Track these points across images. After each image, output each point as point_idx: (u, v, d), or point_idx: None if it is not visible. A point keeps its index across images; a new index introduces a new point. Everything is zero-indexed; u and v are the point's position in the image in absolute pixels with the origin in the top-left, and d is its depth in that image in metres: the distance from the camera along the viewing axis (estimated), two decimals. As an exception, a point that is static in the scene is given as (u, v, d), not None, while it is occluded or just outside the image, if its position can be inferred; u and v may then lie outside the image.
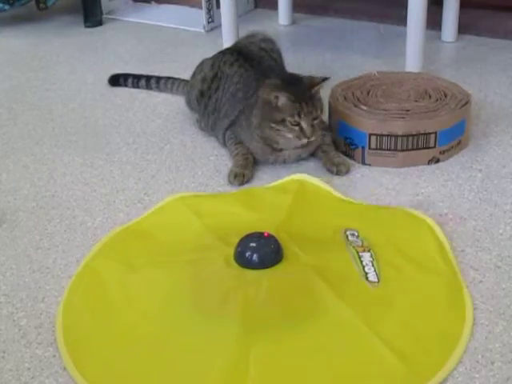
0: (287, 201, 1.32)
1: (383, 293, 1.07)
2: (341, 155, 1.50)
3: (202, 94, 1.63)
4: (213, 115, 1.60)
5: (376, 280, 1.08)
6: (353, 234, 1.18)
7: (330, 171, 1.45)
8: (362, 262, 1.12)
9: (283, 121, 1.39)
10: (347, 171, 1.45)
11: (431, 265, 1.13)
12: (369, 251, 1.14)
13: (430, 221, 1.24)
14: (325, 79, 1.43)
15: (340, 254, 1.15)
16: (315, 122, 1.40)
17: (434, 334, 1.00)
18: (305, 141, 1.40)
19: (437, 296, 1.07)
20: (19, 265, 1.21)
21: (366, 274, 1.10)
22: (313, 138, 1.40)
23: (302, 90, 1.40)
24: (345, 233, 1.19)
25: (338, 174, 1.44)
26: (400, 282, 1.09)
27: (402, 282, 1.09)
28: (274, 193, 1.38)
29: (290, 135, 1.41)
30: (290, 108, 1.38)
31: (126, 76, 1.95)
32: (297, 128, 1.39)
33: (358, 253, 1.13)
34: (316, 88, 1.41)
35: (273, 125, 1.40)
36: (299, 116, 1.38)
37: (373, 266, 1.11)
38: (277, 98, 1.39)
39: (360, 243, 1.16)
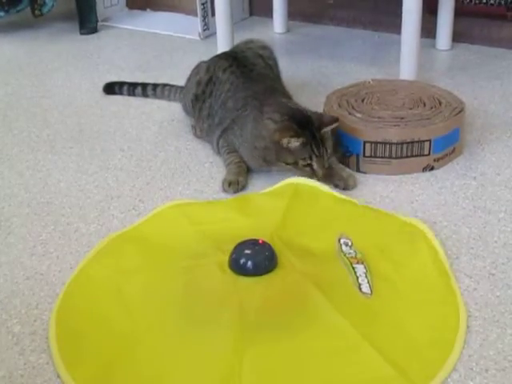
0: (282, 206, 1.32)
1: (376, 303, 1.07)
2: (346, 169, 1.47)
3: (196, 97, 1.63)
4: (207, 120, 1.60)
5: (369, 292, 1.08)
6: (346, 244, 1.18)
7: (337, 186, 1.41)
8: (355, 272, 1.12)
9: (295, 163, 1.38)
10: (355, 185, 1.41)
11: (425, 276, 1.13)
12: (362, 263, 1.14)
13: (424, 228, 1.24)
14: (335, 120, 1.39)
15: (334, 263, 1.15)
16: (327, 162, 1.39)
17: (428, 341, 0.99)
18: (316, 179, 1.39)
19: (430, 305, 1.07)
20: (13, 271, 1.20)
21: (360, 284, 1.09)
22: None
23: (313, 130, 1.36)
24: (339, 241, 1.19)
25: (345, 188, 1.41)
26: (393, 295, 1.09)
27: (395, 295, 1.09)
28: (268, 198, 1.37)
29: (301, 174, 1.40)
30: (301, 152, 1.36)
31: (121, 84, 1.94)
32: (308, 169, 1.38)
33: (351, 264, 1.13)
34: (326, 129, 1.38)
35: (283, 164, 1.39)
36: (311, 159, 1.37)
37: (366, 277, 1.11)
38: (289, 142, 1.36)
39: (354, 254, 1.16)
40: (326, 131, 1.38)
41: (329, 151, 1.39)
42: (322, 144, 1.37)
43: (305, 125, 1.37)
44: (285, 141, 1.36)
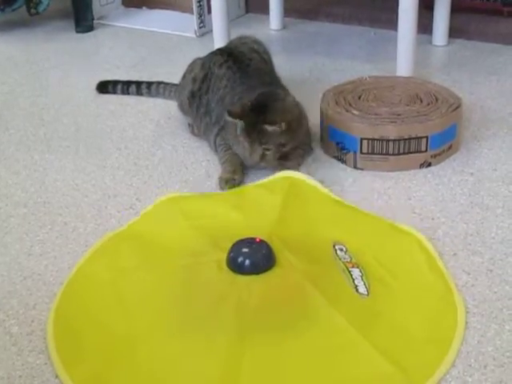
0: (278, 202, 1.32)
1: (373, 303, 1.06)
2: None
3: (193, 94, 1.62)
4: (205, 118, 1.59)
5: (366, 293, 1.08)
6: (341, 249, 1.18)
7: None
8: (351, 275, 1.11)
9: (237, 137, 1.42)
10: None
11: (420, 277, 1.12)
12: (358, 267, 1.13)
13: (417, 234, 1.23)
14: (276, 122, 1.37)
15: (330, 264, 1.14)
16: (267, 152, 1.40)
17: (426, 338, 1.00)
18: (252, 162, 1.43)
19: (427, 304, 1.07)
20: (10, 271, 1.20)
21: (356, 286, 1.09)
22: (262, 164, 1.42)
23: (259, 120, 1.38)
24: (334, 247, 1.18)
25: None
26: (389, 295, 1.09)
27: (392, 295, 1.09)
28: (264, 193, 1.37)
29: (244, 151, 1.43)
30: (243, 134, 1.40)
31: (115, 82, 1.93)
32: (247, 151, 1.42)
33: (347, 268, 1.13)
34: (264, 126, 1.37)
35: (236, 138, 1.43)
36: (247, 143, 1.40)
37: (362, 280, 1.10)
38: (235, 124, 1.41)
39: (349, 259, 1.15)
40: (267, 128, 1.37)
41: (265, 146, 1.39)
42: (261, 136, 1.38)
43: (258, 111, 1.39)
44: (229, 119, 1.41)
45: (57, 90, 2.01)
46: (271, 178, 1.41)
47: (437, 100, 1.54)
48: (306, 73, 2.03)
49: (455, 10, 2.13)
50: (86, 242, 1.27)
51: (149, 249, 1.22)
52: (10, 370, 0.99)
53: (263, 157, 1.41)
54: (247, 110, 1.40)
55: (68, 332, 1.04)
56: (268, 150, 1.40)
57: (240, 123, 1.40)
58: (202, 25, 2.40)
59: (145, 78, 1.95)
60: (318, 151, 1.57)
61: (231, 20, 2.16)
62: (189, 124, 1.68)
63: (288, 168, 1.43)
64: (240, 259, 1.12)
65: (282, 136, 1.39)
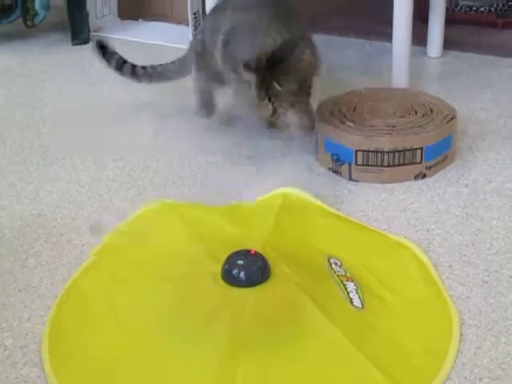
0: (273, 215, 1.31)
1: (368, 316, 1.06)
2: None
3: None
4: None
5: (360, 306, 1.07)
6: (336, 263, 1.18)
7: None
8: (346, 289, 1.11)
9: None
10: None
11: (415, 290, 1.12)
12: (352, 281, 1.13)
13: (412, 246, 1.23)
14: (296, 81, 1.36)
15: (325, 277, 1.14)
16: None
17: (421, 351, 0.99)
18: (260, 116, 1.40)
19: (422, 317, 1.07)
20: (4, 284, 1.20)
21: (351, 299, 1.09)
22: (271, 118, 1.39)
23: (273, 76, 1.35)
24: (328, 261, 1.18)
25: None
26: (384, 309, 1.08)
27: (386, 309, 1.08)
28: (259, 208, 1.37)
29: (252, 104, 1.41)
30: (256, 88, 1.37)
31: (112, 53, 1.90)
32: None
33: (342, 281, 1.12)
34: (277, 86, 1.34)
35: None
36: (256, 99, 1.37)
37: (357, 293, 1.10)
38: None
39: (343, 272, 1.15)
40: (276, 87, 1.36)
41: (276, 104, 1.37)
42: (271, 93, 1.36)
43: (272, 64, 1.36)
44: (245, 74, 1.38)
45: (52, 102, 2.01)
46: (266, 196, 1.40)
47: (431, 111, 1.54)
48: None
49: (450, 21, 2.15)
50: (81, 255, 1.27)
51: (144, 255, 1.22)
52: (4, 383, 0.98)
53: (274, 112, 1.38)
54: (264, 62, 1.36)
55: (62, 345, 1.04)
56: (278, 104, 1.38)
57: (253, 78, 1.37)
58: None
59: (143, 90, 1.95)
60: (313, 163, 1.57)
61: (227, 32, 2.16)
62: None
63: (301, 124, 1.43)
64: (235, 271, 1.12)
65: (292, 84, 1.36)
